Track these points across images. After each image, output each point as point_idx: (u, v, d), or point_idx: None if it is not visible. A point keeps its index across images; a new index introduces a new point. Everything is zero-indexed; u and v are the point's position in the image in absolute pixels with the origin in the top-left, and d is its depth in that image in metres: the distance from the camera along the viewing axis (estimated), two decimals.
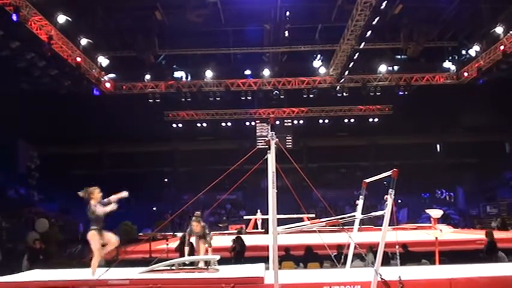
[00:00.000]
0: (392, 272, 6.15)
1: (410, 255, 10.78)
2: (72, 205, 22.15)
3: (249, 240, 13.26)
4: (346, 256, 7.54)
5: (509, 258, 10.53)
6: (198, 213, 8.74)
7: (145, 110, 25.46)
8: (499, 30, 19.55)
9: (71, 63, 19.39)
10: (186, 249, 8.81)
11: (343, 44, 19.73)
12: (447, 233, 16.28)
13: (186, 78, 25.32)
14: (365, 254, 9.60)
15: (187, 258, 7.97)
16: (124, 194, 6.98)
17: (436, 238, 10.05)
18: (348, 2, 18.29)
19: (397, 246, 7.34)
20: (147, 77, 24.53)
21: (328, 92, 24.92)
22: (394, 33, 21.54)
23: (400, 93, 24.82)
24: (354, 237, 7.27)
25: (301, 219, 16.55)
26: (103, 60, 22.20)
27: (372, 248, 9.79)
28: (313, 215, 19.46)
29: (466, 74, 23.19)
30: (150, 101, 24.80)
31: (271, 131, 6.36)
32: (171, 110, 28.30)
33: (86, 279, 6.54)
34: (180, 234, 11.30)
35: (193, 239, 8.89)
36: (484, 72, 21.38)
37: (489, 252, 10.02)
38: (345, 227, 6.62)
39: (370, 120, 29.53)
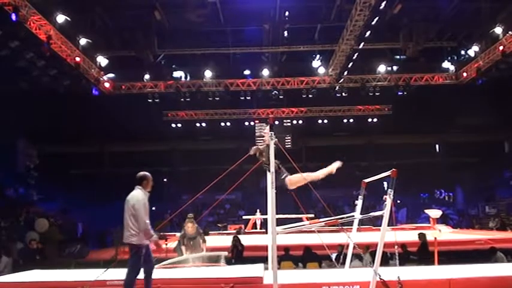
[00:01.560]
0: (391, 272, 6.16)
1: (409, 255, 10.81)
2: (72, 205, 22.21)
3: (248, 240, 13.30)
4: (345, 256, 7.55)
5: (508, 259, 10.55)
6: (191, 214, 8.74)
7: (145, 109, 25.41)
8: (498, 30, 19.52)
9: (70, 63, 19.31)
10: (183, 247, 8.81)
11: (342, 44, 19.71)
12: (446, 233, 16.37)
13: (185, 78, 25.27)
14: (363, 253, 9.64)
15: (197, 255, 7.95)
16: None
17: (435, 238, 10.05)
18: (347, 2, 18.26)
19: (396, 247, 7.36)
20: (146, 76, 24.46)
21: (327, 92, 24.86)
22: (393, 33, 21.49)
23: (399, 93, 24.75)
24: (353, 237, 7.28)
25: (300, 219, 16.58)
26: (102, 60, 22.14)
27: (368, 248, 9.81)
28: (312, 215, 19.47)
29: (465, 74, 23.15)
30: (149, 100, 24.73)
31: (270, 130, 6.38)
32: (170, 110, 28.27)
33: (85, 280, 6.54)
34: (179, 234, 11.33)
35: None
36: (483, 72, 21.34)
37: (421, 255, 10.05)
38: (344, 227, 6.63)
39: (369, 120, 29.54)
